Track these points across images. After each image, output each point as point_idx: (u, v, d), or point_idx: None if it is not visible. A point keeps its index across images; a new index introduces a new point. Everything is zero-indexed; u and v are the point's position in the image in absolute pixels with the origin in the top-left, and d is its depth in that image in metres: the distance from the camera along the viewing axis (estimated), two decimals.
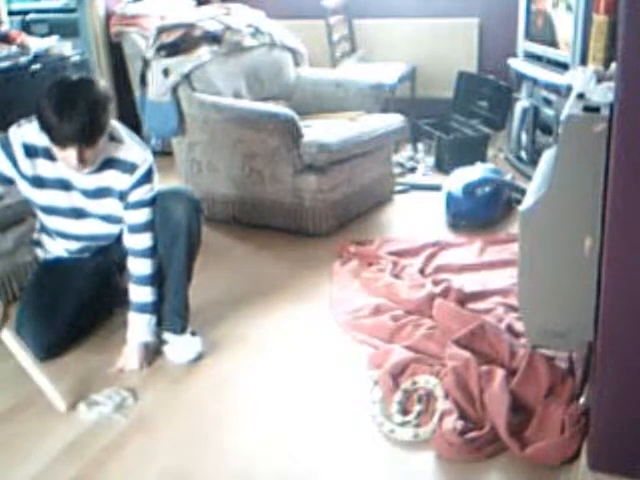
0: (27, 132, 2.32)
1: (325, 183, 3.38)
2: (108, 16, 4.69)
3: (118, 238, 2.51)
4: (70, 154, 2.16)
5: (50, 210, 2.48)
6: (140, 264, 2.43)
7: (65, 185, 2.40)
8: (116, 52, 4.72)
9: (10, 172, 2.35)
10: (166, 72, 3.47)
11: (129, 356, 2.44)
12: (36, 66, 4.02)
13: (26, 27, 5.16)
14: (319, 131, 3.46)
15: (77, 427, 2.16)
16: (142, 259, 2.43)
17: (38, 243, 2.67)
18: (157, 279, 2.46)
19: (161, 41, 3.57)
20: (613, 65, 2.18)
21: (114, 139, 2.34)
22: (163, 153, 3.93)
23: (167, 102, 3.49)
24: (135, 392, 2.31)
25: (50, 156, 2.29)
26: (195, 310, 2.58)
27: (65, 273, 2.57)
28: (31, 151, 2.33)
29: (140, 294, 2.45)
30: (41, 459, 2.04)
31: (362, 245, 3.27)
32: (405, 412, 2.14)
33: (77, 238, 2.55)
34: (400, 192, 3.95)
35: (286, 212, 3.46)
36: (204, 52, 3.59)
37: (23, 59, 4.00)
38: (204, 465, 2.00)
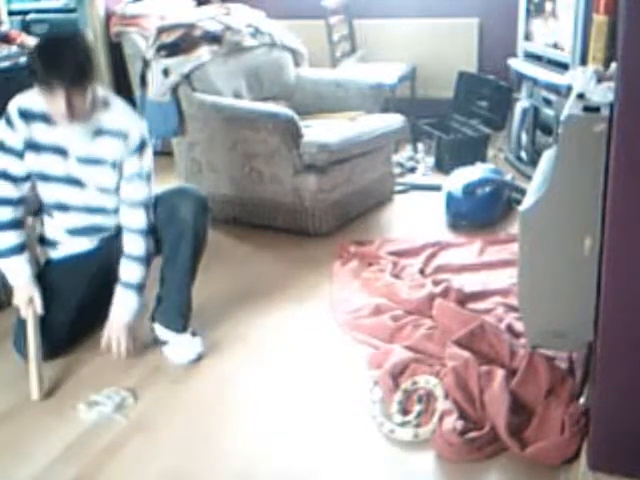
0: (25, 97, 2.38)
1: (325, 183, 3.38)
2: (108, 16, 4.69)
3: (118, 235, 2.50)
4: (59, 101, 2.19)
5: (46, 178, 2.47)
6: (132, 241, 2.44)
7: (61, 151, 2.41)
8: (116, 52, 4.71)
9: (19, 144, 2.38)
10: (166, 72, 3.47)
11: (113, 336, 2.45)
12: None
13: (26, 27, 5.16)
14: (319, 131, 3.46)
15: (77, 427, 2.17)
16: (134, 235, 2.44)
17: (42, 240, 2.65)
18: (147, 261, 2.47)
19: (161, 41, 3.57)
20: (613, 65, 2.18)
21: (107, 104, 2.39)
22: (163, 153, 3.92)
23: (167, 102, 3.49)
24: (135, 392, 2.32)
25: (47, 120, 2.33)
26: (195, 310, 2.57)
27: (66, 274, 2.56)
28: (27, 114, 2.37)
29: (128, 271, 2.45)
30: (41, 459, 2.04)
31: (362, 245, 3.27)
32: (405, 412, 2.14)
33: (75, 209, 2.52)
34: (400, 192, 3.95)
35: (286, 212, 3.46)
36: (204, 52, 3.59)
37: (23, 59, 3.99)
38: (204, 465, 2.00)
